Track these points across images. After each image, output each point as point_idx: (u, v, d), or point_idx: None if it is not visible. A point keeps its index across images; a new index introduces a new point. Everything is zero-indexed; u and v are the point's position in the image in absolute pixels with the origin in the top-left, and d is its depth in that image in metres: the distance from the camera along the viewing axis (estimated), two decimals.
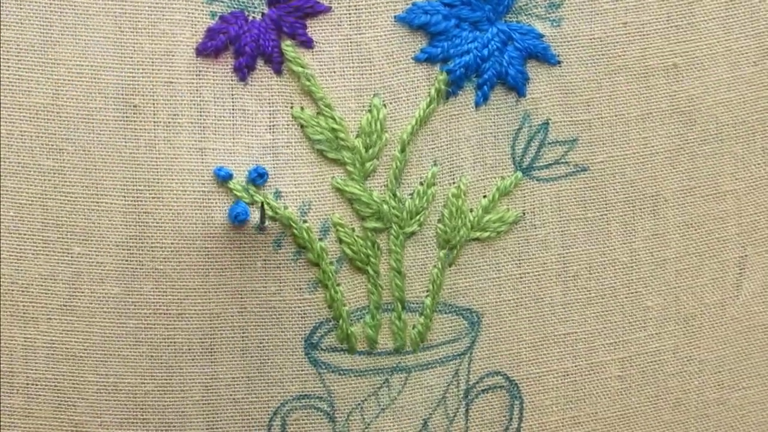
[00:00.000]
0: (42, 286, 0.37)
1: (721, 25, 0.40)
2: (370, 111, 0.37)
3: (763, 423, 0.42)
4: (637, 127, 0.39)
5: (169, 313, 0.37)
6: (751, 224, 0.41)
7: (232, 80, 0.37)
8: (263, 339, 0.38)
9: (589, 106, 0.39)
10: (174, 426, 0.38)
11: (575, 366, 0.40)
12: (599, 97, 0.39)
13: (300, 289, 0.38)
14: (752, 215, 0.41)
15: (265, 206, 0.37)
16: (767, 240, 0.41)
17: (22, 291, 0.37)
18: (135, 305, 0.37)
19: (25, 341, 0.37)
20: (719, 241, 0.41)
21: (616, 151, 0.39)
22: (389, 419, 0.39)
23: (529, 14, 0.39)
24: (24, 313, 0.37)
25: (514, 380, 0.40)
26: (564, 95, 0.39)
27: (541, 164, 0.39)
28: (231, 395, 0.38)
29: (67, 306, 0.37)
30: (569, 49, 0.39)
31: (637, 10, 0.39)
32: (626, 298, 0.40)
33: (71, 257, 0.37)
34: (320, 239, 0.38)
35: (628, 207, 0.40)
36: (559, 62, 0.39)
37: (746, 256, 0.41)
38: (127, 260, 0.37)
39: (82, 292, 0.37)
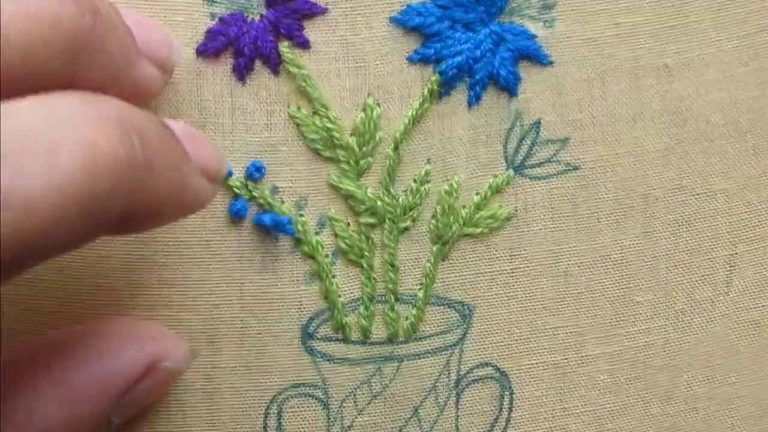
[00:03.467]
0: (48, 279, 0.38)
1: (713, 27, 0.40)
2: (364, 110, 0.39)
3: (751, 417, 0.43)
4: (628, 126, 0.40)
5: (172, 304, 0.39)
6: (742, 222, 0.42)
7: (231, 80, 0.38)
8: (262, 329, 0.39)
9: (580, 105, 0.40)
10: (176, 414, 0.39)
11: (565, 359, 0.41)
12: (591, 96, 0.40)
13: (297, 280, 0.39)
14: (742, 213, 0.42)
15: (261, 201, 0.39)
16: (757, 238, 0.42)
17: (28, 285, 0.38)
18: (139, 297, 0.38)
19: (30, 333, 0.38)
20: (709, 238, 0.41)
21: (608, 150, 0.40)
22: (381, 406, 0.40)
23: (523, 15, 0.39)
24: (30, 306, 0.38)
25: (504, 371, 0.41)
26: (556, 95, 0.40)
27: (533, 162, 0.40)
28: (231, 383, 0.39)
29: (73, 298, 0.38)
30: (562, 49, 0.40)
31: (629, 12, 0.40)
32: (616, 293, 0.41)
33: (77, 252, 0.38)
34: (317, 233, 0.39)
35: (619, 205, 0.41)
36: (551, 62, 0.40)
37: (736, 253, 0.42)
38: (131, 254, 0.38)
39: (88, 285, 0.38)
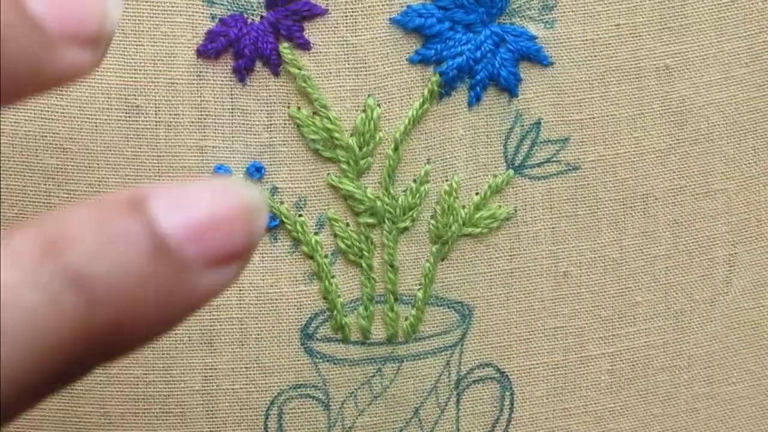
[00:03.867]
0: None
1: (713, 27, 0.40)
2: (364, 111, 0.39)
3: (751, 417, 0.43)
4: (628, 127, 0.40)
5: None
6: (741, 222, 0.42)
7: (231, 81, 0.38)
8: (261, 330, 0.39)
9: (581, 106, 0.40)
10: (175, 414, 0.39)
11: (565, 359, 0.41)
12: (591, 97, 0.40)
13: (296, 281, 0.39)
14: (742, 214, 0.42)
15: None
16: (757, 238, 0.42)
17: None
18: None
19: None
20: (709, 238, 0.42)
21: (608, 150, 0.40)
22: (382, 407, 0.40)
23: (523, 16, 0.39)
24: None
25: (504, 372, 0.41)
26: (556, 95, 0.40)
27: (533, 163, 0.40)
28: (230, 385, 0.39)
29: None
30: (562, 50, 0.40)
31: (629, 12, 0.40)
32: (616, 293, 0.41)
33: None
34: (316, 233, 0.39)
35: (619, 205, 0.41)
36: (551, 63, 0.40)
37: (736, 253, 0.42)
38: None
39: None
